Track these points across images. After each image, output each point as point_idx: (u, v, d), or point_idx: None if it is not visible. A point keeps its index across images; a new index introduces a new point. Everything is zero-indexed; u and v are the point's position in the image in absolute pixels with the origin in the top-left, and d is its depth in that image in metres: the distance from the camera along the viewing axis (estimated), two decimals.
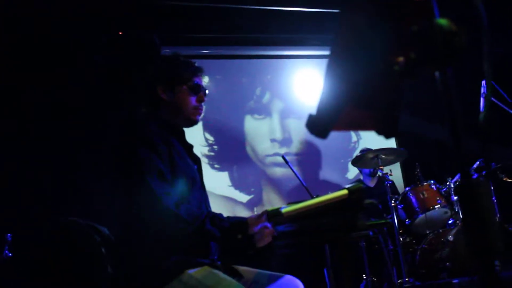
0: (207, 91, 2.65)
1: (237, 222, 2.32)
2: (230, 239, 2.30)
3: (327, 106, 1.16)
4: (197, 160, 2.61)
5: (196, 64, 2.64)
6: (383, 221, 2.25)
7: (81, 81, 5.39)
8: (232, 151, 6.13)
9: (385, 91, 1.16)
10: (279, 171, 6.18)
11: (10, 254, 4.20)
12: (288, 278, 2.59)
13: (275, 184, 6.19)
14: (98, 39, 5.66)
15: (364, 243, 4.56)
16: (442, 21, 0.93)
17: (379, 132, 1.19)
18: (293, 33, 6.51)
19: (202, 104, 2.59)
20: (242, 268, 2.52)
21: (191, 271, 2.21)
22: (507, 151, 5.63)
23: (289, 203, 1.96)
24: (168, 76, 2.54)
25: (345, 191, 1.88)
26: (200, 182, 2.54)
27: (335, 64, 1.17)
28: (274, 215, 1.86)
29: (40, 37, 5.38)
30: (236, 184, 6.02)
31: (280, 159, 6.26)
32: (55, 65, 5.42)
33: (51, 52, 5.42)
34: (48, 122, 5.21)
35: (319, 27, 6.54)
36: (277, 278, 2.56)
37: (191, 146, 2.61)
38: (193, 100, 2.54)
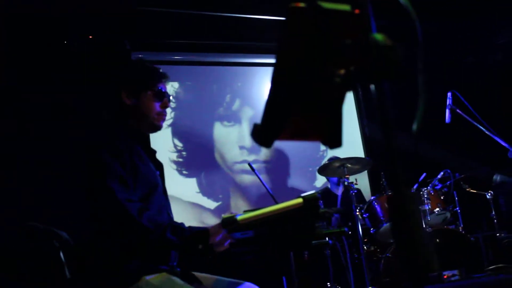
0: (171, 97, 2.66)
1: (198, 232, 2.32)
2: (190, 249, 2.31)
3: (271, 115, 1.18)
4: (159, 166, 2.61)
5: (161, 70, 2.65)
6: (339, 230, 2.28)
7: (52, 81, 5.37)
8: (201, 158, 6.13)
9: (328, 101, 1.18)
10: (248, 178, 6.19)
11: None
12: (247, 285, 2.60)
13: (243, 191, 6.20)
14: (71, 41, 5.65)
15: (329, 251, 4.60)
16: (378, 36, 0.95)
17: (323, 143, 1.21)
18: (264, 41, 6.55)
19: (166, 110, 2.59)
20: (201, 275, 2.52)
21: (149, 277, 2.22)
22: (470, 162, 5.74)
23: (245, 211, 1.97)
24: (133, 81, 2.54)
25: (300, 200, 1.90)
26: (162, 187, 2.54)
27: (280, 73, 1.19)
28: (229, 223, 1.87)
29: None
30: (204, 190, 6.01)
31: (248, 166, 6.29)
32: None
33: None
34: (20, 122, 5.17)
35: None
36: (236, 285, 2.57)
37: (154, 152, 2.61)
38: (157, 106, 2.55)
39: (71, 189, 4.64)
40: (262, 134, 1.16)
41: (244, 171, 6.20)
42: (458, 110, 5.01)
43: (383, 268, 4.71)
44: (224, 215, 1.94)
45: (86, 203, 2.36)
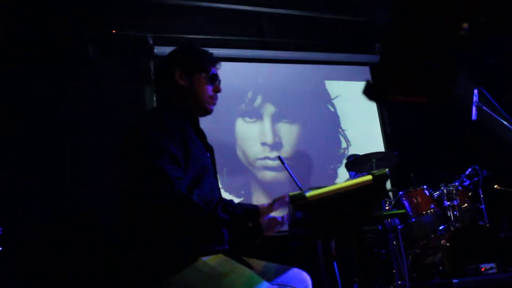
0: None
1: (248, 210, 2.30)
2: (240, 226, 2.29)
3: (383, 71, 1.17)
4: (210, 149, 2.59)
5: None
6: (399, 211, 2.23)
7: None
8: (223, 154, 6.10)
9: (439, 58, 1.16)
10: (269, 175, 6.17)
11: (0, 248, 4.12)
12: (296, 271, 2.59)
13: (265, 187, 6.17)
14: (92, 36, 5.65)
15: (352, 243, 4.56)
16: None
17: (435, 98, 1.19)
18: (285, 37, 6.55)
19: (217, 95, 2.58)
20: (250, 260, 2.50)
21: (205, 258, 2.19)
22: (500, 158, 5.70)
23: (311, 188, 1.94)
24: (188, 62, 2.53)
25: (369, 177, 1.87)
26: (213, 170, 2.52)
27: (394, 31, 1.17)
28: (297, 199, 1.84)
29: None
30: (226, 186, 5.99)
31: (270, 162, 6.23)
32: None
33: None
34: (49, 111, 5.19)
35: (311, 31, 6.61)
36: (285, 270, 2.56)
37: (204, 134, 2.59)
38: (209, 89, 2.54)
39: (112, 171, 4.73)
40: (373, 90, 1.14)
41: (266, 168, 6.19)
42: (484, 107, 4.99)
43: (411, 264, 4.69)
44: (291, 193, 1.91)
45: (135, 183, 2.31)
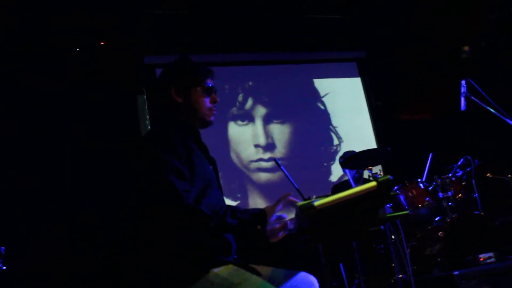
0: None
1: (256, 214, 2.34)
2: (249, 231, 2.32)
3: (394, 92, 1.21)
4: (213, 161, 2.63)
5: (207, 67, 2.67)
6: (402, 213, 2.28)
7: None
8: (217, 157, 6.06)
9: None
10: (264, 176, 6.23)
11: (4, 268, 4.14)
12: (303, 274, 2.63)
13: (261, 189, 6.23)
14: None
15: (355, 242, 4.63)
16: None
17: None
18: (273, 39, 6.59)
19: (215, 105, 2.62)
20: (258, 267, 2.55)
21: (217, 270, 2.24)
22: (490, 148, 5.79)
23: (318, 197, 2.00)
24: (182, 78, 2.56)
25: (373, 183, 1.93)
26: (217, 182, 2.57)
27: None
28: (307, 209, 1.89)
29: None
30: (223, 190, 6.02)
31: (264, 164, 6.29)
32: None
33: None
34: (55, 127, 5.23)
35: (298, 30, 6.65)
36: (293, 275, 2.60)
37: (206, 147, 2.63)
38: (207, 101, 2.57)
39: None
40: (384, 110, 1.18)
41: (260, 169, 6.25)
42: (473, 97, 5.05)
43: (409, 256, 4.75)
44: (300, 202, 1.97)
45: (143, 199, 2.37)
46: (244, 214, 2.31)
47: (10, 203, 4.79)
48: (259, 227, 2.32)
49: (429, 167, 5.31)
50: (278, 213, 2.46)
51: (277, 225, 2.39)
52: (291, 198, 2.40)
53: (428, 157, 5.33)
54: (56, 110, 5.34)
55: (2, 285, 4.29)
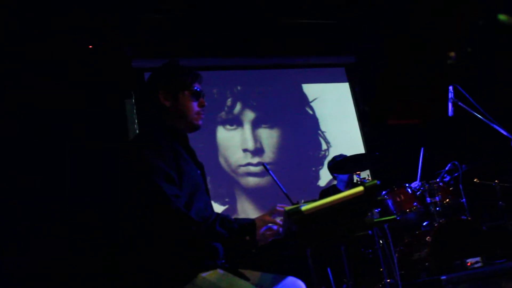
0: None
1: (245, 224, 2.35)
2: (238, 241, 2.33)
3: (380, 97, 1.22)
4: (200, 166, 2.63)
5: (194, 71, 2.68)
6: (390, 218, 2.29)
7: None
8: (206, 162, 6.08)
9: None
10: (253, 181, 6.23)
11: None
12: (291, 279, 2.63)
13: (249, 193, 6.23)
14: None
15: (343, 247, 4.63)
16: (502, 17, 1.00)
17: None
18: (262, 43, 6.60)
19: (203, 109, 2.62)
20: (246, 271, 2.55)
21: (204, 274, 2.24)
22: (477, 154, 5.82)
23: (305, 202, 2.00)
24: (170, 83, 2.56)
25: (360, 188, 1.94)
26: (205, 187, 2.57)
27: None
28: (294, 213, 1.89)
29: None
30: (211, 194, 6.00)
31: (253, 168, 6.28)
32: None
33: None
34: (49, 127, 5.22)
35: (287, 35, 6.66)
36: (281, 279, 2.60)
37: (194, 152, 2.63)
38: (195, 105, 2.57)
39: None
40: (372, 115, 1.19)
41: (248, 174, 6.24)
42: (460, 103, 5.08)
43: (397, 261, 4.76)
44: (287, 207, 1.97)
45: (132, 202, 2.37)
46: (233, 224, 2.31)
47: (10, 203, 4.77)
48: (247, 238, 2.32)
49: (422, 162, 5.31)
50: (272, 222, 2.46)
51: (268, 233, 2.40)
52: (278, 208, 2.41)
53: (420, 154, 5.33)
54: (56, 111, 5.33)
55: (2, 285, 4.28)
